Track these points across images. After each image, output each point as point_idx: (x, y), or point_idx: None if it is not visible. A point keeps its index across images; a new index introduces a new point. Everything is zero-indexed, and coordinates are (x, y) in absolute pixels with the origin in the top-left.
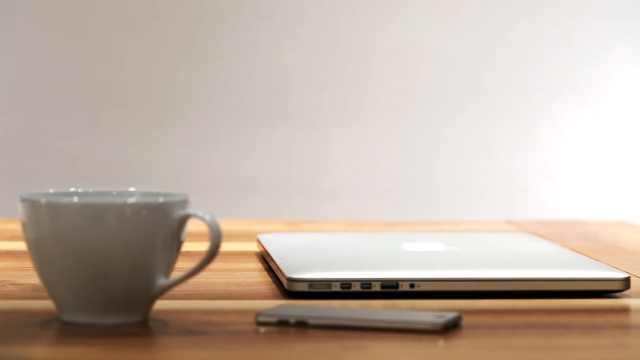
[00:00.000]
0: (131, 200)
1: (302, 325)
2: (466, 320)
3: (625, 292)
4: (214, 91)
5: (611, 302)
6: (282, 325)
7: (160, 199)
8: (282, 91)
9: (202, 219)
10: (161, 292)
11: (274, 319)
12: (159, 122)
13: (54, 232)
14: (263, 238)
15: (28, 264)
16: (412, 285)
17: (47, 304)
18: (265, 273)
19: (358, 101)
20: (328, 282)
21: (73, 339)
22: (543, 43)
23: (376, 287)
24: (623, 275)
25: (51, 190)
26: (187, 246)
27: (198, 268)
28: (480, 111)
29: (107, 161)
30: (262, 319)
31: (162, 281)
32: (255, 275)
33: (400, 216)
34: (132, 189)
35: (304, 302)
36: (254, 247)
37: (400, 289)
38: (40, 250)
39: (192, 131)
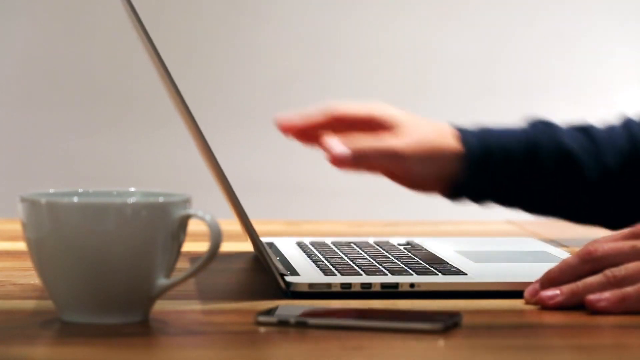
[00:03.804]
0: (131, 200)
1: (302, 325)
2: (466, 320)
3: None
4: (214, 91)
5: None
6: (282, 325)
7: (160, 199)
8: (283, 91)
9: (202, 219)
10: (161, 292)
11: (274, 319)
12: (159, 122)
13: (54, 232)
14: (263, 238)
15: (28, 264)
16: (412, 285)
17: (47, 304)
18: (264, 273)
19: (359, 102)
20: (328, 282)
21: (73, 339)
22: (545, 44)
23: (376, 287)
24: None
25: (51, 190)
26: (187, 246)
27: (198, 268)
28: (482, 112)
29: (107, 161)
30: (262, 319)
31: (162, 281)
32: (255, 275)
33: (400, 216)
34: (132, 189)
35: (304, 302)
36: None
37: (400, 289)
38: (40, 250)
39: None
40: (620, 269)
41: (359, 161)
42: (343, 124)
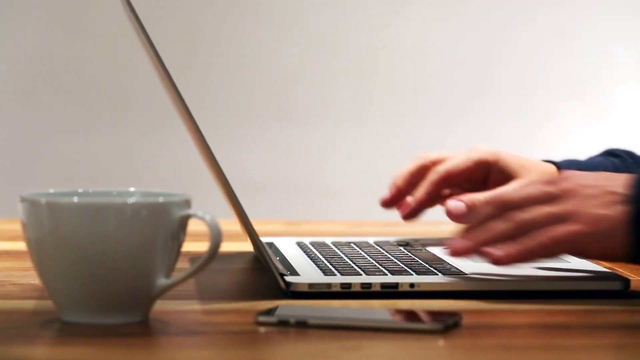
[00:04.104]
0: (131, 200)
1: (302, 325)
2: (466, 320)
3: (625, 293)
4: (214, 91)
5: (611, 303)
6: (282, 325)
7: (160, 199)
8: (284, 91)
9: (202, 219)
10: (161, 292)
11: (274, 319)
12: (159, 122)
13: (54, 232)
14: (263, 238)
15: (28, 264)
16: (412, 285)
17: (47, 304)
18: (264, 273)
19: (359, 101)
20: (328, 282)
21: (73, 339)
22: (546, 44)
23: (376, 287)
24: (622, 276)
25: (51, 190)
26: (187, 246)
27: (198, 268)
28: (482, 112)
29: (107, 161)
30: (262, 319)
31: (162, 281)
32: (255, 275)
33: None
34: (132, 189)
35: (304, 302)
36: None
37: (400, 289)
38: (40, 250)
39: None
40: (530, 214)
41: (475, 214)
42: (454, 181)
